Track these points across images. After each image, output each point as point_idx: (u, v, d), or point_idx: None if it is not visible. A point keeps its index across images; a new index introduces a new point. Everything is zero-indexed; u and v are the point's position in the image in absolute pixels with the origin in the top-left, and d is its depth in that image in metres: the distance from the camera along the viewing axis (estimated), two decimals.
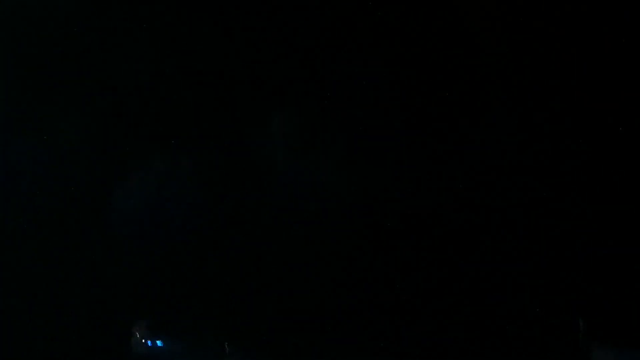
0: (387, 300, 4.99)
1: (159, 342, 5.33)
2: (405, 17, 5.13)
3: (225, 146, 5.36)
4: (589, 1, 4.83)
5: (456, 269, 4.92)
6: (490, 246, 4.88)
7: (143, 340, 5.34)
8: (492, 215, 4.89)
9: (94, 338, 5.31)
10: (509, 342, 4.80)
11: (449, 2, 5.05)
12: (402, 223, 5.07)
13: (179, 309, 5.36)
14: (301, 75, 5.26)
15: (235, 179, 5.35)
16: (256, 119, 5.33)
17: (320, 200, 5.15)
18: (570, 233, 4.79)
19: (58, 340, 5.27)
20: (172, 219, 5.41)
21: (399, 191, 5.06)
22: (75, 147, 5.46)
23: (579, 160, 4.84)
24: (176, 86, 5.44)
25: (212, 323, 5.33)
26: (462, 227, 4.91)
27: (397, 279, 4.97)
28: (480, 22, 5.01)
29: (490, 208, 4.88)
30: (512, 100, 4.96)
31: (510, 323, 4.81)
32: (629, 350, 4.59)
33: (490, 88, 5.00)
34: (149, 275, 5.44)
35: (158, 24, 5.37)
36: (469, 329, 4.83)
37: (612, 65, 4.86)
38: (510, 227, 4.89)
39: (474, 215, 4.90)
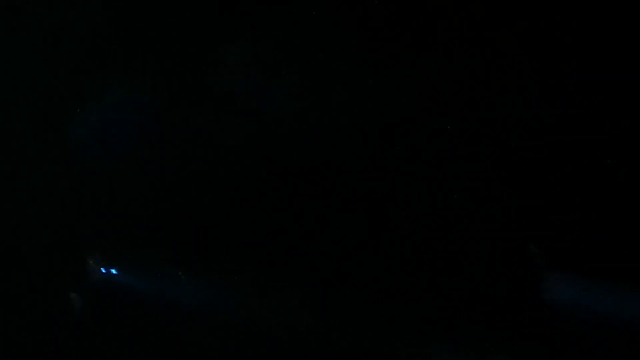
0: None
1: (113, 270, 5.31)
2: None
3: (183, 73, 5.31)
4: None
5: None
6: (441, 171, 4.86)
7: (99, 268, 5.31)
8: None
9: (50, 265, 5.28)
10: (462, 266, 4.80)
11: None
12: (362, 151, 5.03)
13: (135, 239, 5.34)
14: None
15: (191, 107, 5.31)
16: (215, 46, 5.27)
17: (277, 126, 5.12)
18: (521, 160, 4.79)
19: (14, 266, 5.24)
20: (128, 148, 5.36)
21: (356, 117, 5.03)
22: (34, 73, 5.39)
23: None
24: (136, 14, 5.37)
25: (167, 252, 5.31)
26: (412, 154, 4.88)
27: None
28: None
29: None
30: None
31: (463, 248, 4.80)
32: (580, 276, 4.60)
33: None
34: (105, 204, 5.41)
35: None
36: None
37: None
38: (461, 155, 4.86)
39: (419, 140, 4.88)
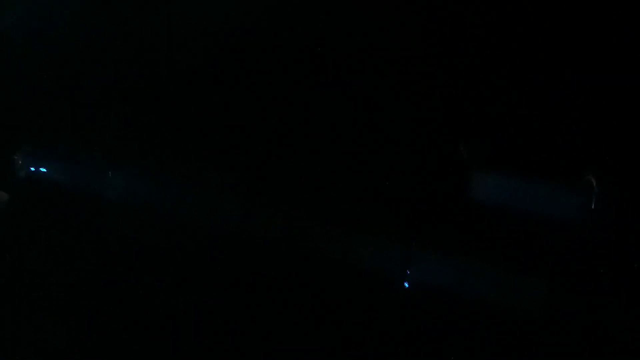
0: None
1: (42, 169, 5.22)
2: None
3: None
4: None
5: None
6: None
7: (26, 167, 5.23)
8: None
9: None
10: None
11: None
12: None
13: (61, 137, 5.21)
14: None
15: None
16: None
17: None
18: None
19: None
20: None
21: None
22: None
23: None
24: None
25: (94, 150, 5.18)
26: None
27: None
28: None
29: None
30: None
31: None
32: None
33: None
34: (32, 102, 5.27)
35: None
36: None
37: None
38: None
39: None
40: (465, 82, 4.32)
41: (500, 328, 4.00)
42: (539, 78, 4.16)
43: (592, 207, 3.91)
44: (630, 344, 3.80)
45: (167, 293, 4.76)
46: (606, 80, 4.00)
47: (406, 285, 4.21)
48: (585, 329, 3.90)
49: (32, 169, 5.12)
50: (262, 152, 4.69)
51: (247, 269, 4.64)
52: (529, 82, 4.19)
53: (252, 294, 4.60)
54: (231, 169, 4.78)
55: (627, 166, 3.92)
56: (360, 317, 4.31)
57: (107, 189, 4.99)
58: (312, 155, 4.53)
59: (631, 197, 3.89)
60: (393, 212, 4.38)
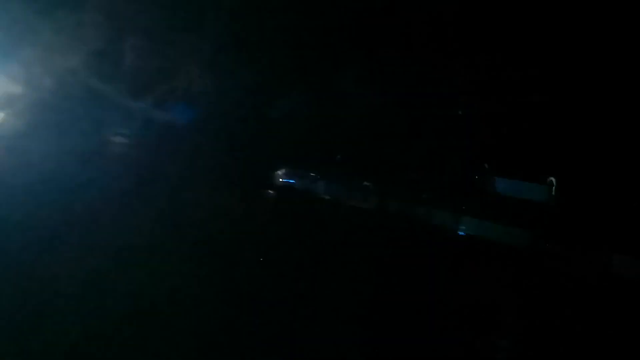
0: None
1: (292, 181, 10.31)
2: None
3: None
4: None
5: None
6: None
7: (282, 179, 10.37)
8: None
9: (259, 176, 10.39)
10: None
11: None
12: None
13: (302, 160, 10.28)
14: None
15: None
16: None
17: None
18: None
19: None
20: None
21: None
22: None
23: None
24: None
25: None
26: None
27: None
28: None
29: None
30: None
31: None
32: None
33: None
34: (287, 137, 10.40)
35: None
36: None
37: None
38: None
39: None
40: None
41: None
42: None
43: None
44: None
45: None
46: None
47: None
48: None
49: (285, 180, 10.20)
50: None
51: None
52: None
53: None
54: None
55: None
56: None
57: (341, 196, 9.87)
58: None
59: None
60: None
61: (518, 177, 8.33)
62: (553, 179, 8.05)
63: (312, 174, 10.13)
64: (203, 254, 8.17)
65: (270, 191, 10.32)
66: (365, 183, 9.40)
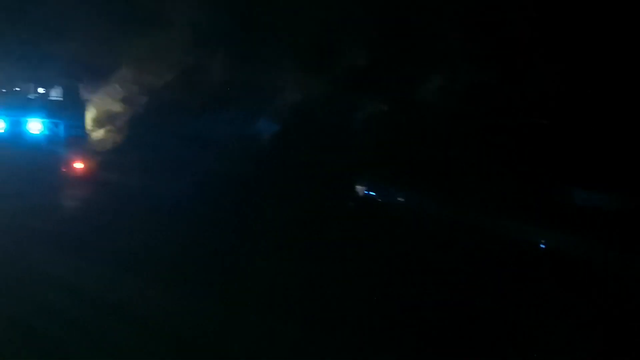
0: None
1: (372, 193, 10.29)
2: None
3: None
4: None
5: None
6: None
7: (364, 191, 10.38)
8: None
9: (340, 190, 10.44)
10: None
11: None
12: None
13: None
14: None
15: None
16: None
17: None
18: None
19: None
20: None
21: None
22: None
23: None
24: None
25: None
26: None
27: None
28: None
29: None
30: None
31: None
32: None
33: None
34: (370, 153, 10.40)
35: None
36: None
37: None
38: None
39: None
40: None
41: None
42: None
43: None
44: None
45: None
46: None
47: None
48: None
49: (366, 192, 10.19)
50: None
51: None
52: None
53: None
54: None
55: None
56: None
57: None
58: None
59: None
60: None
61: (601, 188, 7.91)
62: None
63: (392, 186, 10.06)
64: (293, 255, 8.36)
65: (352, 202, 10.35)
66: (444, 194, 9.22)
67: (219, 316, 6.49)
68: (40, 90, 14.21)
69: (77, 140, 12.54)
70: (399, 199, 9.98)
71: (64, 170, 11.33)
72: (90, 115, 14.74)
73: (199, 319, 6.33)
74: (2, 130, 10.85)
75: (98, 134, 14.19)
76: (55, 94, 15.15)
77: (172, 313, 6.30)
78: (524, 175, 8.30)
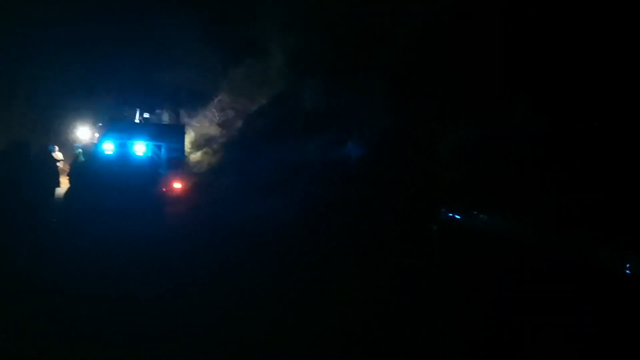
0: None
1: (457, 216, 10.51)
2: None
3: None
4: None
5: None
6: None
7: (447, 214, 10.60)
8: None
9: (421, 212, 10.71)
10: None
11: None
12: None
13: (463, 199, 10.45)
14: None
15: None
16: None
17: None
18: None
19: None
20: None
21: None
22: None
23: None
24: None
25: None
26: None
27: None
28: None
29: None
30: None
31: None
32: None
33: None
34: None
35: None
36: None
37: None
38: None
39: None
40: None
41: None
42: None
43: None
44: None
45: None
46: None
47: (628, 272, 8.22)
48: None
49: (450, 215, 10.41)
50: None
51: None
52: None
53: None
54: None
55: None
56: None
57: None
58: None
59: None
60: None
61: None
62: None
63: (476, 210, 10.25)
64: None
65: (436, 226, 10.59)
66: (528, 219, 9.34)
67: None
68: (145, 115, 15.25)
69: (177, 161, 13.39)
70: (486, 223, 10.15)
71: (165, 190, 12.09)
72: (189, 138, 15.69)
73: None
74: (111, 152, 11.71)
75: (196, 156, 15.08)
76: (158, 119, 16.23)
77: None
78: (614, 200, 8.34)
